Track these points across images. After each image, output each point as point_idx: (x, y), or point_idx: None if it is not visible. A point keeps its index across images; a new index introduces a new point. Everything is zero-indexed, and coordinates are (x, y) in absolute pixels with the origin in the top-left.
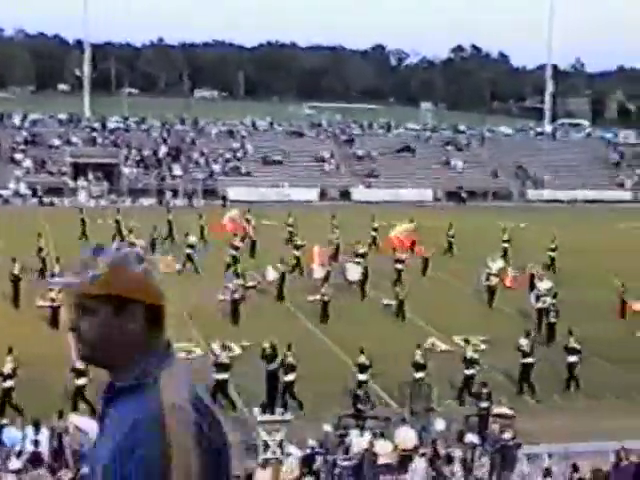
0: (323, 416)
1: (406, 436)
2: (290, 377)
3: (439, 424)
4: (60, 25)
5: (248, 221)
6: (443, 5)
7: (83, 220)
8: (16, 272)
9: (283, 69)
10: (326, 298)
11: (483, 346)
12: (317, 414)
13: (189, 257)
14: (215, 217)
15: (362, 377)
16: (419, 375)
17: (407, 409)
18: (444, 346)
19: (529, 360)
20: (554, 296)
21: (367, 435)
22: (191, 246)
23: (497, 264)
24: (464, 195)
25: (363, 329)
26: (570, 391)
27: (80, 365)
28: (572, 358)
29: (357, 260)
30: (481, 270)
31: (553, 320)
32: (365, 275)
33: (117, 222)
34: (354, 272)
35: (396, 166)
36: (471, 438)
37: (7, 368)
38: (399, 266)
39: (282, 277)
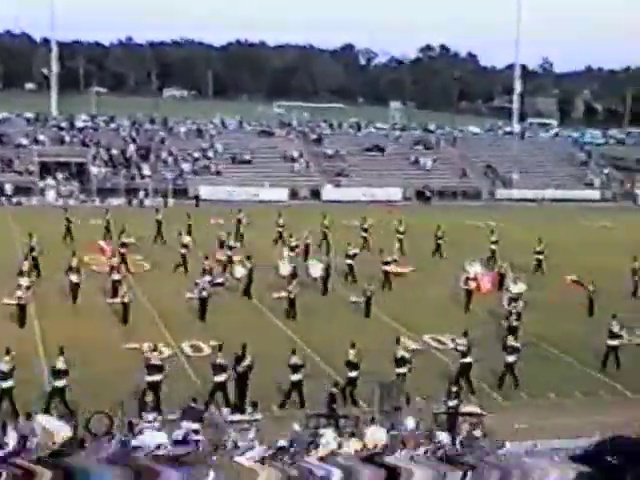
0: (293, 415)
1: (375, 435)
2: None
3: (410, 422)
4: (27, 23)
5: (239, 221)
6: (411, 4)
7: (68, 219)
8: None
9: (252, 68)
10: (292, 295)
11: (414, 346)
12: (286, 413)
13: (183, 257)
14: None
15: (295, 377)
16: (353, 374)
17: (376, 408)
18: (414, 345)
19: (467, 360)
20: (516, 299)
21: (337, 434)
22: (185, 246)
23: (475, 267)
24: (429, 194)
25: (331, 326)
26: (502, 389)
27: (60, 366)
28: (511, 358)
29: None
30: (459, 273)
31: (515, 324)
32: (327, 272)
33: (107, 222)
34: (316, 269)
35: (366, 165)
36: (441, 437)
37: (59, 366)
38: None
39: (250, 274)
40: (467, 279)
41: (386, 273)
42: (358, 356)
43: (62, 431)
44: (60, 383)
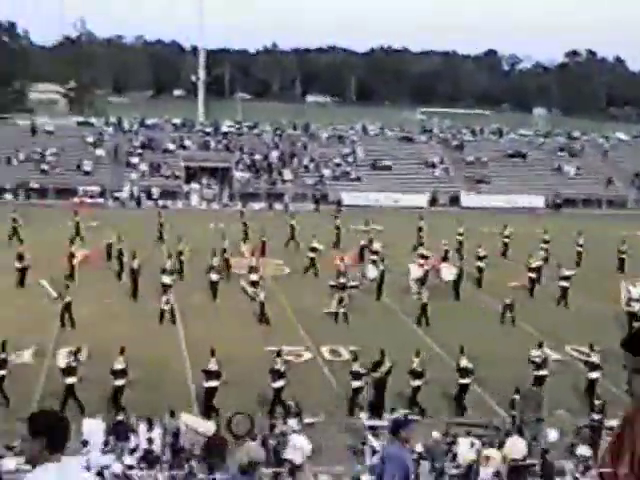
0: (431, 422)
1: (516, 446)
2: (417, 382)
3: (552, 434)
4: (177, 32)
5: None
6: (555, 9)
7: (245, 224)
8: (135, 267)
9: (395, 74)
10: (424, 299)
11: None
12: (429, 420)
13: (374, 262)
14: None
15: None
16: (417, 383)
17: (517, 418)
18: (555, 355)
19: (542, 372)
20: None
21: (476, 444)
22: (376, 252)
23: (638, 289)
24: (559, 202)
25: (466, 331)
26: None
27: (118, 365)
28: (594, 374)
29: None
30: (621, 293)
31: None
32: (460, 276)
33: (292, 227)
34: (449, 273)
35: (507, 172)
36: (583, 451)
37: (118, 366)
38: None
39: (382, 275)
40: (629, 300)
41: (564, 288)
42: (422, 365)
43: (206, 429)
44: (119, 382)
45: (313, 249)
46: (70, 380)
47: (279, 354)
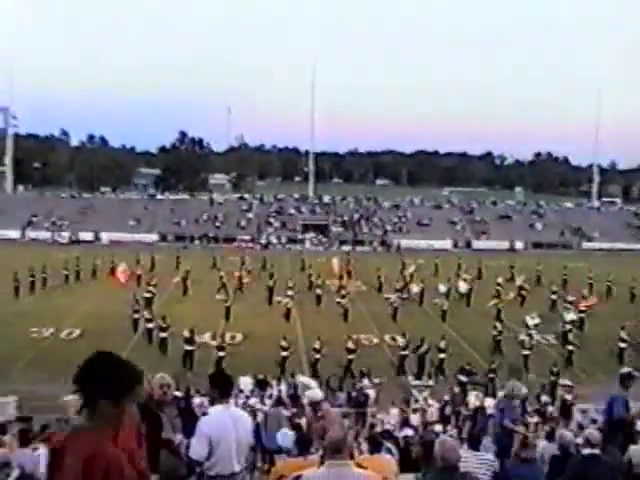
0: (452, 382)
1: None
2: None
3: (523, 389)
4: (296, 139)
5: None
6: (527, 120)
7: (404, 263)
8: (271, 284)
9: (430, 167)
10: (445, 306)
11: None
12: (450, 381)
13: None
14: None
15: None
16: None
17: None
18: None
19: (404, 353)
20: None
21: (480, 395)
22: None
23: (535, 320)
24: (518, 246)
25: (474, 325)
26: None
27: (283, 343)
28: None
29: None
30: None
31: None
32: (470, 291)
33: (406, 265)
34: (464, 288)
35: (500, 227)
36: (544, 398)
37: (282, 343)
38: None
39: (422, 291)
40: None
41: (553, 302)
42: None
43: (312, 385)
44: (284, 354)
45: (379, 277)
46: (221, 353)
47: (349, 337)
